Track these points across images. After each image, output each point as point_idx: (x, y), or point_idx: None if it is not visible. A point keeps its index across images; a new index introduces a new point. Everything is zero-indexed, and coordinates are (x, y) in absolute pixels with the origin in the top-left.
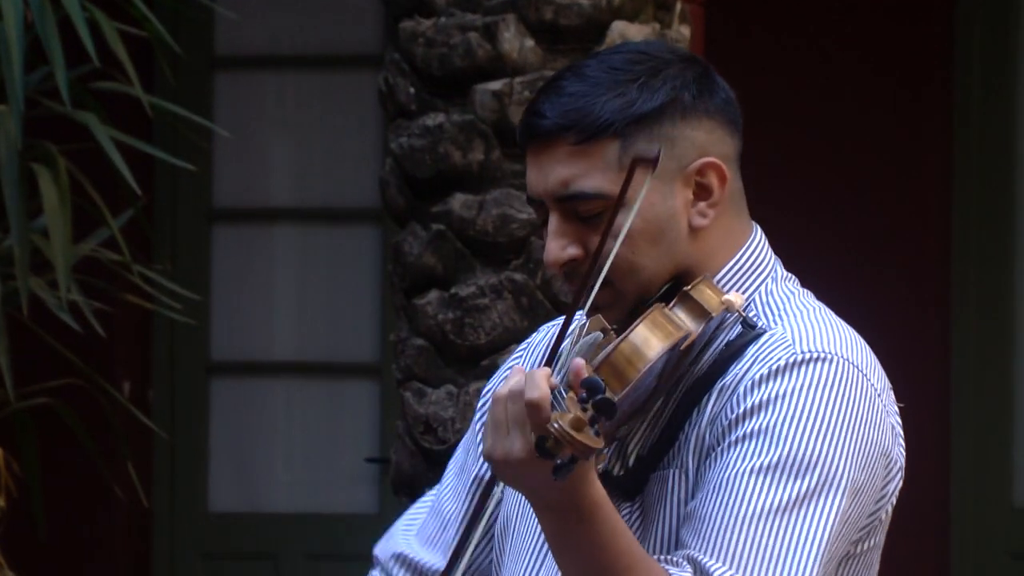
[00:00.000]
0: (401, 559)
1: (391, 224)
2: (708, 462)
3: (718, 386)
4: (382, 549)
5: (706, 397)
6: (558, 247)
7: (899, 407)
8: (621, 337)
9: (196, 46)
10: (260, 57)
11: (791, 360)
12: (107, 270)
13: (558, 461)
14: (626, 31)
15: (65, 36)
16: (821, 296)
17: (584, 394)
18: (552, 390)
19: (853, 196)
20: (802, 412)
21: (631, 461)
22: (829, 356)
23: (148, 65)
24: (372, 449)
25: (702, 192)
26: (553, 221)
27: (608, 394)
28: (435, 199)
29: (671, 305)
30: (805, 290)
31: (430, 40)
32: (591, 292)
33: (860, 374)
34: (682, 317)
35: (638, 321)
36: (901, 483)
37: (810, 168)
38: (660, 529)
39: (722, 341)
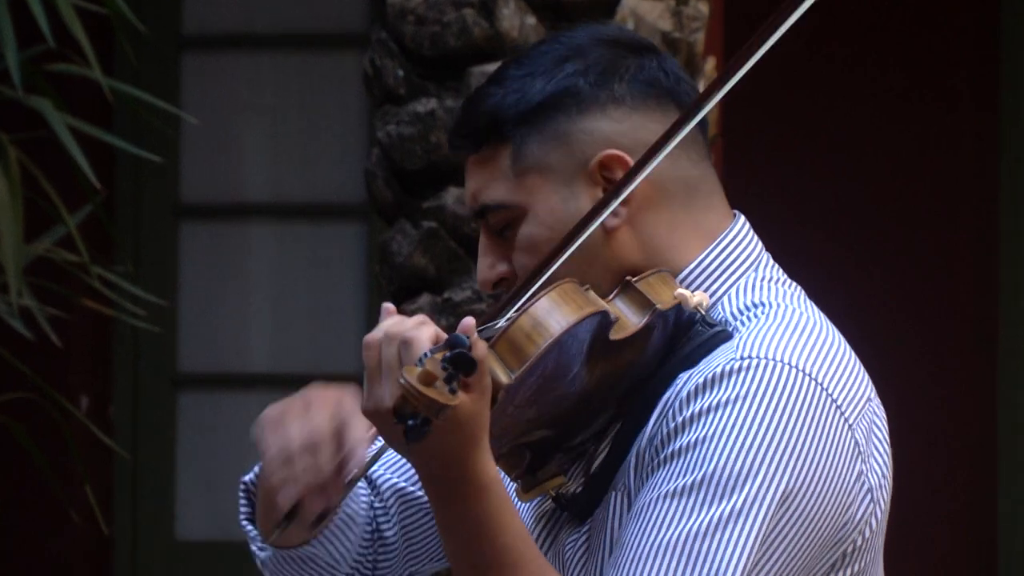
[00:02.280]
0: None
1: (378, 221)
2: (640, 483)
3: (664, 397)
4: None
5: (654, 411)
6: (485, 266)
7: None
8: (521, 309)
9: (161, 24)
10: (232, 36)
11: (727, 368)
12: (63, 272)
13: (409, 422)
14: (638, 8)
15: (16, 13)
16: (865, 310)
17: (447, 352)
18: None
19: (890, 201)
20: (729, 425)
21: (590, 479)
22: (768, 361)
23: (108, 45)
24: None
25: (609, 189)
26: (481, 238)
27: (496, 372)
28: (427, 193)
29: (612, 296)
30: (793, 289)
31: (421, 17)
32: (508, 310)
33: (810, 380)
34: (619, 307)
35: (543, 292)
36: (877, 507)
37: (843, 167)
38: (599, 560)
39: (681, 349)
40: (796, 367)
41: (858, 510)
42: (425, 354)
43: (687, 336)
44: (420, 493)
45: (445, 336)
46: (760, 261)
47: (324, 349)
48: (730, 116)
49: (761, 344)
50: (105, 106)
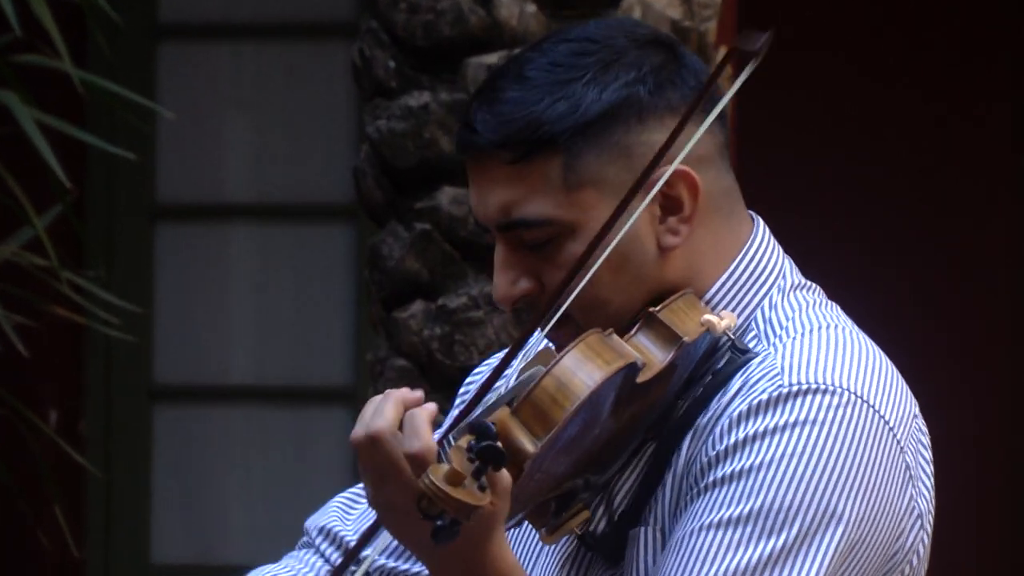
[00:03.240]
0: (328, 533)
1: (367, 223)
2: (679, 512)
3: (697, 423)
4: (313, 521)
5: (687, 437)
6: (507, 282)
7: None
8: (545, 371)
9: (136, 12)
10: (212, 25)
11: (777, 394)
12: (31, 277)
13: (438, 523)
14: None
15: None
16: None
17: (472, 440)
18: (443, 438)
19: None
20: (782, 453)
21: (617, 515)
22: (825, 387)
23: (80, 35)
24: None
25: (670, 206)
26: (500, 251)
27: (522, 441)
28: (419, 193)
29: (633, 331)
30: (826, 300)
31: (414, 5)
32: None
33: (863, 404)
34: (643, 344)
35: (566, 351)
36: (926, 533)
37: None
38: None
39: (709, 370)
40: (849, 391)
41: (908, 537)
42: (449, 440)
43: (715, 360)
44: (406, 567)
45: (429, 406)
46: (784, 268)
47: (310, 360)
48: (745, 116)
49: (808, 368)
50: (76, 100)
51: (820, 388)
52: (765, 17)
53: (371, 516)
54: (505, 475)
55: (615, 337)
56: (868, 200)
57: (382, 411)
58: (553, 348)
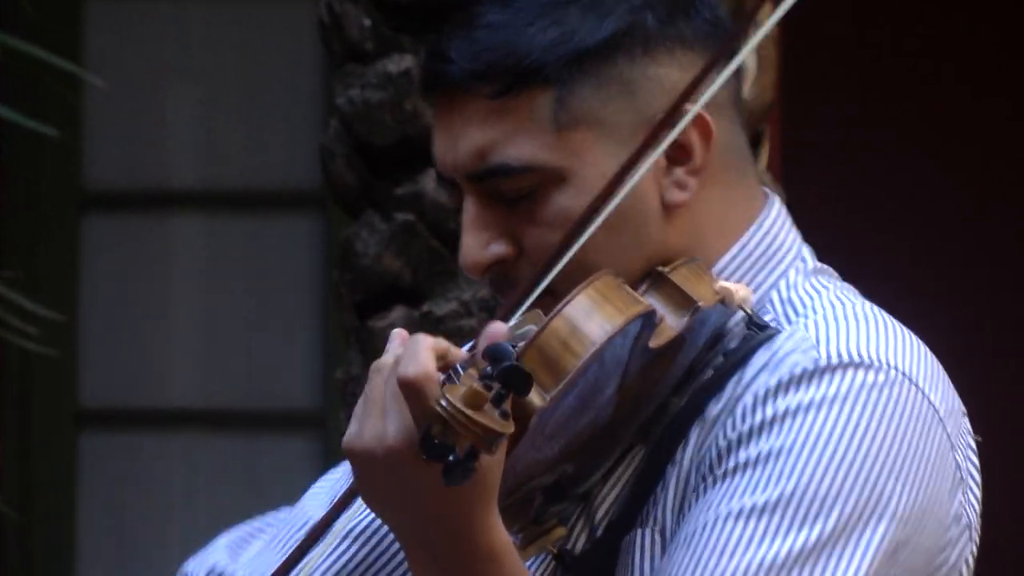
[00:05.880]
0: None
1: (337, 213)
2: (687, 506)
3: (709, 412)
4: (197, 563)
5: (694, 428)
6: (478, 244)
7: (976, 441)
8: (554, 312)
9: None
10: None
11: (814, 367)
12: None
13: (451, 458)
14: None
15: None
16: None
17: (488, 366)
18: (447, 368)
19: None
20: (822, 435)
21: (600, 530)
22: (869, 362)
23: None
24: None
25: (678, 155)
26: (469, 207)
27: (522, 366)
28: (400, 177)
29: (640, 292)
30: (846, 284)
31: None
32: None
33: (915, 389)
34: (653, 304)
35: (577, 290)
36: (974, 544)
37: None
38: None
39: (719, 352)
40: (899, 370)
41: (955, 549)
42: (457, 368)
43: (724, 343)
44: None
45: (445, 346)
46: (802, 250)
47: (268, 378)
48: (788, 111)
49: (848, 341)
50: None
51: (863, 363)
52: None
53: (281, 554)
54: (528, 404)
55: (626, 285)
56: (920, 202)
57: (391, 348)
58: (539, 310)
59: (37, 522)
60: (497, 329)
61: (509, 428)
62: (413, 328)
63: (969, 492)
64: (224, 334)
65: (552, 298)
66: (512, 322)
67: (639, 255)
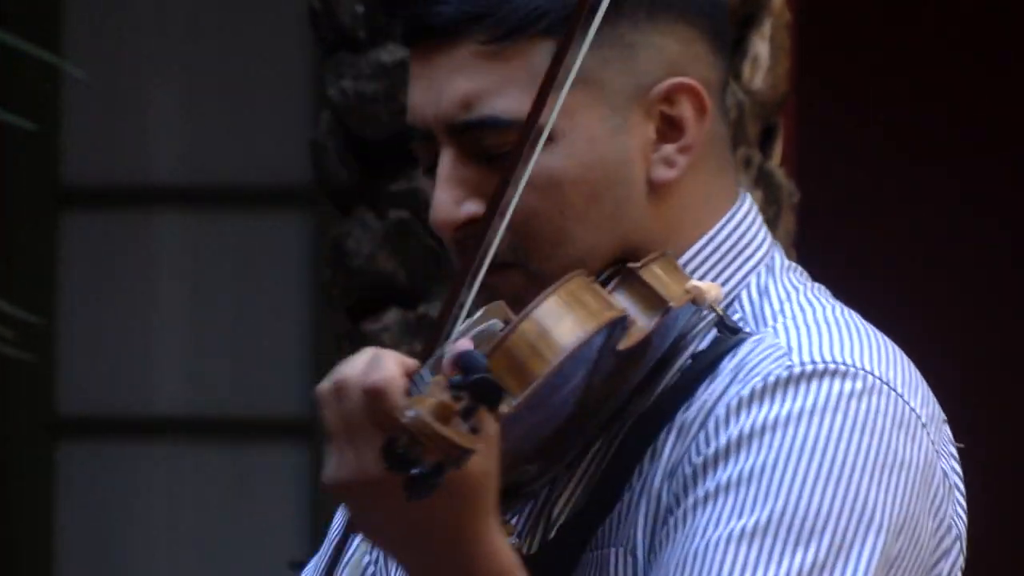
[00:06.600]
0: None
1: (328, 210)
2: (665, 532)
3: (679, 419)
4: None
5: (663, 435)
6: (450, 201)
7: (958, 448)
8: (522, 314)
9: None
10: None
11: (787, 375)
12: None
13: (413, 471)
14: None
15: None
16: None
17: (457, 376)
18: (410, 375)
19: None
20: (805, 448)
21: (553, 532)
22: (845, 369)
23: None
24: (300, 545)
25: (670, 129)
26: (445, 161)
27: (494, 379)
28: (394, 172)
29: (609, 289)
30: (818, 285)
31: None
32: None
33: (895, 395)
34: (622, 303)
35: (547, 291)
36: (962, 556)
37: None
38: None
39: (689, 354)
40: (874, 375)
41: (948, 561)
42: (421, 376)
43: (699, 340)
44: None
45: (411, 361)
46: (772, 248)
47: (255, 385)
48: (803, 103)
49: (822, 347)
50: None
51: (839, 370)
52: None
53: None
54: (493, 422)
55: (597, 286)
56: (937, 195)
57: (353, 361)
58: (504, 303)
59: (13, 536)
60: (460, 345)
61: (479, 443)
62: (409, 332)
63: (955, 502)
64: (209, 338)
65: (521, 270)
66: (469, 299)
67: (614, 232)
